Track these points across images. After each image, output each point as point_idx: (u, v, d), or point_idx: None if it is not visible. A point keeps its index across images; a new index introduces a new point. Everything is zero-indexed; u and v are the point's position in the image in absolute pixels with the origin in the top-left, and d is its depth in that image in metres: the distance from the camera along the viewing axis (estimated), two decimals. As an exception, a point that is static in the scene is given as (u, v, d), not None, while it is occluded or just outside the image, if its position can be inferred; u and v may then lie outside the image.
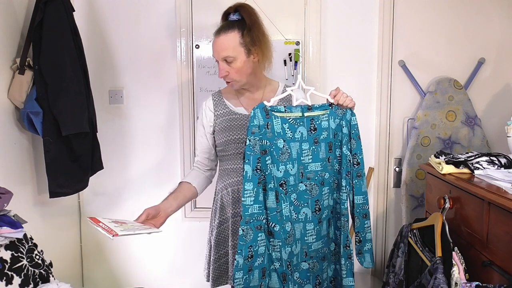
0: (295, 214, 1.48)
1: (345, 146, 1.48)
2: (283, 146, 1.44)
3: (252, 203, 1.37)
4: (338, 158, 1.51)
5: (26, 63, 1.89)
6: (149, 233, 1.41)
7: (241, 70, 1.56)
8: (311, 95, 1.49)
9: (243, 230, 1.37)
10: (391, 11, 2.29)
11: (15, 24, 1.94)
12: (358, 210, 1.50)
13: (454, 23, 2.29)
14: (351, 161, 1.48)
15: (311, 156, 1.48)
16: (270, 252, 1.43)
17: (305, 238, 1.50)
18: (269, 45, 1.61)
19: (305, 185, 1.48)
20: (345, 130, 1.48)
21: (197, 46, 2.34)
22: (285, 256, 1.45)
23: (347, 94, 1.49)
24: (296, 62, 2.31)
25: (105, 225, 1.36)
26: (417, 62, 2.32)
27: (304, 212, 1.49)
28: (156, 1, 2.35)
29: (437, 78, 2.29)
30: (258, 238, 1.38)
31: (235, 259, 1.38)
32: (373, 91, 2.36)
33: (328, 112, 1.49)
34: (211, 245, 1.75)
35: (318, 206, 1.50)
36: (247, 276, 1.37)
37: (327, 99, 1.50)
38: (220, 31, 1.55)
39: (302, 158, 1.47)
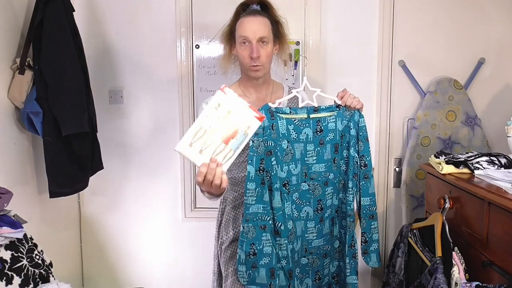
0: (297, 212, 1.51)
1: (352, 148, 1.48)
2: (287, 147, 1.45)
3: (254, 202, 1.40)
4: (346, 159, 1.51)
5: (26, 63, 1.89)
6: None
7: (269, 56, 1.51)
8: (317, 97, 1.48)
9: (243, 228, 1.41)
10: (391, 11, 2.28)
11: (15, 24, 1.94)
12: (364, 211, 1.51)
13: (454, 23, 2.29)
14: (358, 163, 1.49)
15: (315, 157, 1.49)
16: (277, 251, 1.45)
17: (306, 236, 1.54)
18: (287, 46, 1.61)
19: (308, 185, 1.50)
20: (352, 132, 1.48)
21: (197, 46, 2.34)
22: (289, 253, 1.48)
23: (355, 96, 1.48)
24: (296, 62, 2.31)
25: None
26: (417, 62, 2.32)
27: (305, 211, 1.52)
28: (156, 1, 2.34)
29: (437, 78, 2.29)
30: (263, 238, 1.41)
31: (237, 253, 1.43)
32: (373, 91, 2.36)
33: (336, 113, 1.49)
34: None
35: (320, 205, 1.52)
36: (251, 271, 1.42)
37: (334, 101, 1.49)
38: (255, 13, 1.48)
39: (306, 159, 1.49)
